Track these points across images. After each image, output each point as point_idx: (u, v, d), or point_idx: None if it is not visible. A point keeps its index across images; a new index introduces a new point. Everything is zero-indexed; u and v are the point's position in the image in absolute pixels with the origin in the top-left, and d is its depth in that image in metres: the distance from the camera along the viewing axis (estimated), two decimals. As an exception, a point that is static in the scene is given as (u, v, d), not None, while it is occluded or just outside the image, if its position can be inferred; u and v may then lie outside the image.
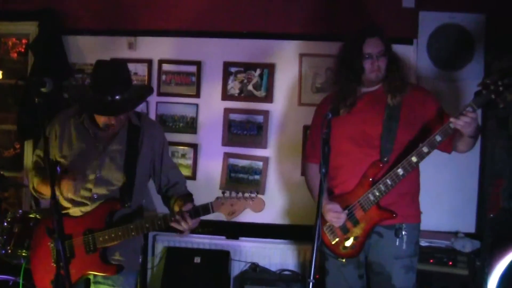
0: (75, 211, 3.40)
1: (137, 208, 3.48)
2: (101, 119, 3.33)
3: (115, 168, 3.39)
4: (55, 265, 3.26)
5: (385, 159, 3.45)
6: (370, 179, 3.46)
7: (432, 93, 3.70)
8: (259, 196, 3.22)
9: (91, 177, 3.38)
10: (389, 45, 3.57)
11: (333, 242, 3.61)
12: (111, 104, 3.24)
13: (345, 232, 3.57)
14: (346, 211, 3.52)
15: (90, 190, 3.38)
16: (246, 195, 3.18)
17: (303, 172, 4.92)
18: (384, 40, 3.54)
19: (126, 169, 3.41)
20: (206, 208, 3.21)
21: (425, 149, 3.30)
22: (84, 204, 3.39)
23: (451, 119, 3.18)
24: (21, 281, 4.06)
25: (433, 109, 3.52)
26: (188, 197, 3.49)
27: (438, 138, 3.27)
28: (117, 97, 3.24)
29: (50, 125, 3.47)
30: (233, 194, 3.19)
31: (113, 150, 3.41)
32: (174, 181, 3.61)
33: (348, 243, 3.57)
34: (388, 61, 3.53)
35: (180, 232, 3.30)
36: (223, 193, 3.21)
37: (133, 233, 3.28)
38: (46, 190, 3.43)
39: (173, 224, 3.24)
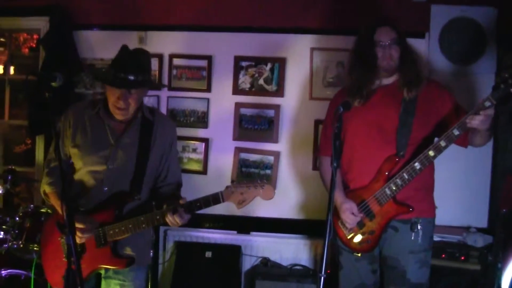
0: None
1: (147, 201, 3.47)
2: (111, 99, 3.32)
3: (127, 161, 3.39)
4: (66, 260, 3.27)
5: (401, 153, 3.45)
6: (386, 174, 3.46)
7: (447, 88, 3.68)
8: (269, 184, 3.20)
9: (102, 168, 3.38)
10: (402, 35, 3.57)
11: (348, 237, 3.61)
12: (123, 80, 3.26)
13: (361, 226, 3.57)
14: (362, 214, 3.52)
15: (101, 181, 3.38)
16: (256, 183, 3.16)
17: (315, 167, 4.94)
18: (396, 29, 3.55)
19: (138, 162, 3.41)
20: (216, 198, 3.19)
21: (442, 143, 3.29)
22: (95, 195, 3.39)
23: (470, 116, 3.17)
24: (32, 275, 4.08)
25: (449, 104, 3.52)
26: (173, 199, 3.39)
27: (456, 132, 3.25)
28: (130, 76, 3.26)
29: (64, 116, 3.48)
30: (243, 183, 3.18)
31: (126, 142, 3.41)
32: (170, 180, 3.59)
33: (364, 237, 3.56)
34: (402, 51, 3.53)
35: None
36: (232, 182, 3.20)
37: (143, 226, 3.28)
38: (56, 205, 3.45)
39: (174, 217, 3.22)
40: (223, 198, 3.18)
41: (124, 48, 3.38)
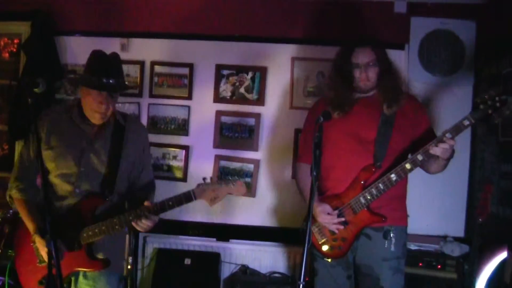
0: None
1: (119, 203, 3.47)
2: (93, 105, 3.34)
3: (98, 164, 3.42)
4: (40, 265, 3.30)
5: (378, 164, 3.49)
6: (362, 182, 3.50)
7: (423, 105, 3.76)
8: (240, 180, 3.24)
9: (74, 171, 3.39)
10: (381, 54, 3.61)
11: (320, 242, 3.64)
12: (107, 84, 3.28)
13: (333, 232, 3.60)
14: (337, 211, 3.55)
15: (73, 183, 3.39)
16: (227, 180, 3.21)
17: (294, 175, 4.97)
18: (376, 49, 3.59)
19: (109, 165, 3.43)
20: (188, 196, 3.22)
21: (419, 157, 3.35)
22: (66, 198, 3.40)
23: (431, 147, 3.28)
24: (6, 281, 4.04)
25: (425, 122, 3.63)
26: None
27: (432, 148, 3.32)
28: (111, 80, 3.29)
29: (39, 119, 3.46)
30: (214, 180, 3.21)
31: (98, 146, 3.44)
32: (144, 183, 3.63)
33: (336, 243, 3.60)
34: (381, 69, 3.58)
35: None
36: (204, 179, 3.22)
37: (117, 227, 3.29)
38: (24, 217, 3.44)
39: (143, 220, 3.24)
40: (195, 196, 3.21)
41: (99, 53, 3.42)
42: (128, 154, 3.51)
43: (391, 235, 3.53)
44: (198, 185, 3.22)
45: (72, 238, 3.33)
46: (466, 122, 3.22)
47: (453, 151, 3.38)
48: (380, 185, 3.43)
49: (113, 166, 3.44)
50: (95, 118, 3.39)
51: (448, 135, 3.24)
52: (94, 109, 3.35)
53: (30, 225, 3.36)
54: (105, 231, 3.30)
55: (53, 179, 3.43)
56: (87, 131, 3.44)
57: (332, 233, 3.60)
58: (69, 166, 3.39)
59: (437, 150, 3.26)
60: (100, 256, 3.42)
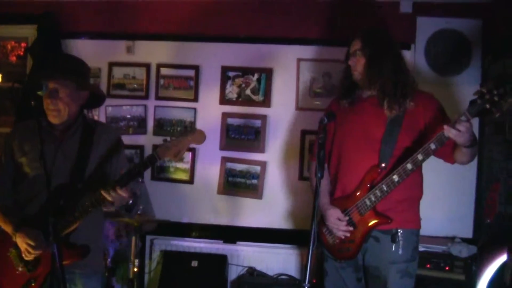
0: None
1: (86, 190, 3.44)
2: (44, 103, 3.34)
3: (67, 164, 3.40)
4: (18, 271, 3.28)
5: (383, 165, 3.45)
6: (368, 185, 3.46)
7: (435, 98, 3.63)
8: (198, 128, 3.21)
9: (47, 171, 3.35)
10: (368, 43, 3.56)
11: (331, 244, 3.62)
12: (46, 73, 3.34)
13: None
14: (347, 217, 3.53)
15: (45, 185, 3.34)
16: (186, 131, 3.17)
17: (301, 176, 5.00)
18: (363, 38, 3.58)
19: (77, 164, 3.42)
20: (152, 158, 3.14)
21: (420, 157, 3.26)
22: (38, 195, 3.37)
23: (445, 127, 3.09)
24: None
25: (437, 115, 3.47)
26: None
27: (433, 146, 3.21)
28: (55, 71, 3.33)
29: (12, 133, 3.53)
30: (173, 137, 3.16)
31: (67, 145, 3.43)
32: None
33: (344, 245, 3.58)
34: (367, 59, 3.54)
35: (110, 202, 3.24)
36: (164, 140, 3.17)
37: (90, 209, 3.24)
38: (1, 222, 3.43)
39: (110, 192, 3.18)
40: (159, 156, 3.14)
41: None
42: (98, 155, 3.49)
43: (400, 238, 3.50)
44: (159, 145, 3.15)
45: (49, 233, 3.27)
46: (463, 119, 3.09)
47: (474, 138, 3.19)
48: (384, 186, 3.39)
49: (81, 166, 3.43)
50: (50, 116, 3.39)
51: (462, 117, 3.10)
52: (46, 107, 3.35)
53: (8, 228, 3.34)
54: (79, 216, 3.25)
55: (29, 182, 3.43)
56: (56, 135, 3.45)
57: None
58: (41, 168, 3.33)
59: (451, 132, 3.06)
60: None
